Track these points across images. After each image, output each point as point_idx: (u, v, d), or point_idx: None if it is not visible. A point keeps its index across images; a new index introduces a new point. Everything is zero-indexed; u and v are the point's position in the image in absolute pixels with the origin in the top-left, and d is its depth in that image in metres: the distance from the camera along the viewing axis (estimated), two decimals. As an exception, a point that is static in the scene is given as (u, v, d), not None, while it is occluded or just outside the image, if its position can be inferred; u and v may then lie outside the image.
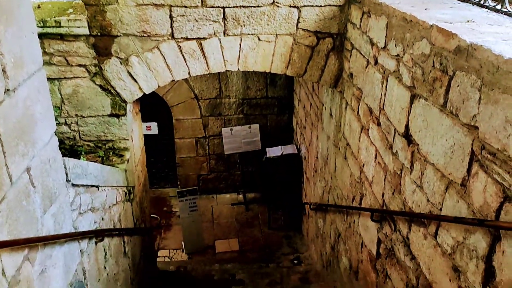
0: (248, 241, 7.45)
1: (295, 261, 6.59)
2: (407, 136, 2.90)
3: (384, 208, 3.34)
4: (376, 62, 3.52)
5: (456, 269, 2.25)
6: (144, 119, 8.44)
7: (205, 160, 8.54)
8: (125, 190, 4.32)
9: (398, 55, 3.05)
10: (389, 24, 3.23)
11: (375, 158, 3.56)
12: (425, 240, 2.64)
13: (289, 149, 7.55)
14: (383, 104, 3.35)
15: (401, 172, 3.00)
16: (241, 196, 8.69)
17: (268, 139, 8.20)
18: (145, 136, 8.57)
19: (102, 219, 3.50)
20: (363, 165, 3.89)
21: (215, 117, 8.18)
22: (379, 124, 3.47)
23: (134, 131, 4.84)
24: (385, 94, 3.32)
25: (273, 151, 7.56)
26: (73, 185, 2.78)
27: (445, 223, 2.33)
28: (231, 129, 7.85)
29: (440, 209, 2.43)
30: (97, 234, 3.24)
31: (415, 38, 2.76)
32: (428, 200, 2.58)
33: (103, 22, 4.05)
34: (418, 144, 2.73)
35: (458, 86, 2.22)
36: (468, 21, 2.56)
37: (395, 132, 3.11)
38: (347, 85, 4.37)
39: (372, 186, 3.65)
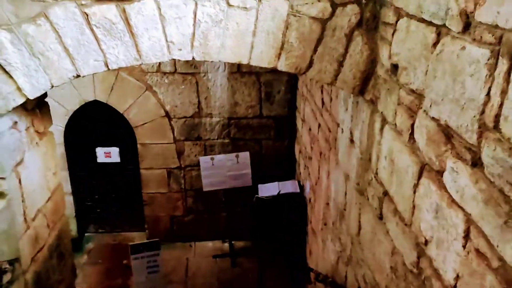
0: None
1: None
2: None
3: None
4: (466, 27, 1.60)
5: None
6: (102, 143, 6.64)
7: (180, 197, 6.57)
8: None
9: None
10: None
11: (466, 237, 1.60)
12: None
13: (288, 187, 5.59)
14: (496, 115, 1.42)
15: None
16: (226, 244, 6.67)
17: (262, 173, 6.21)
18: (105, 164, 6.75)
19: None
20: (426, 243, 1.93)
21: (192, 142, 6.25)
22: (475, 164, 1.53)
23: (26, 163, 2.93)
24: (501, 93, 1.39)
25: (268, 189, 5.61)
26: None
27: None
28: (212, 158, 5.91)
29: None
30: None
31: None
32: None
33: None
34: None
35: None
36: None
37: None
38: (385, 87, 2.45)
39: (454, 296, 1.67)
